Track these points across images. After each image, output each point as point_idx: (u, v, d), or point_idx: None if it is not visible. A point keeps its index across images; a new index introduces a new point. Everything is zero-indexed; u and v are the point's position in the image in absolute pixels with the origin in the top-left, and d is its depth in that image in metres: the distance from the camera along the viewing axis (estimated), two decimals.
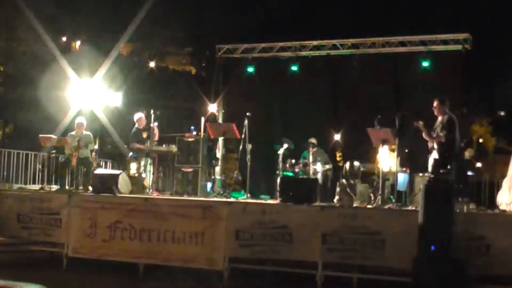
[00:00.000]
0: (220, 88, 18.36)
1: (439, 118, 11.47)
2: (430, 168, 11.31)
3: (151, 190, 13.69)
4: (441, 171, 10.63)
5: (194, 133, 15.67)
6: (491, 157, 32.89)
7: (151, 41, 28.73)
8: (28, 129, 22.41)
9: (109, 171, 15.55)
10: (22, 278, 10.13)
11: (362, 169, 13.76)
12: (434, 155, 11.23)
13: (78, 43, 29.02)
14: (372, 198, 12.62)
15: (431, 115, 11.69)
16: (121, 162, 15.29)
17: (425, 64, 15.84)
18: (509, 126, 34.93)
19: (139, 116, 14.70)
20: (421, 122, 11.45)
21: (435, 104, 11.50)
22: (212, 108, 18.73)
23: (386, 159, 13.32)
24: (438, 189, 9.27)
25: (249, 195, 13.15)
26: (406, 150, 13.38)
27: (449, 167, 10.75)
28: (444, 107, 11.43)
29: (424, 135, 11.46)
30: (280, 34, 20.17)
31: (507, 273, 9.25)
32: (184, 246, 10.75)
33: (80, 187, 13.77)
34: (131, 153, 14.28)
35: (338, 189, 12.69)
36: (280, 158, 14.12)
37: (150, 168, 14.15)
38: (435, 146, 11.30)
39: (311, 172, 14.22)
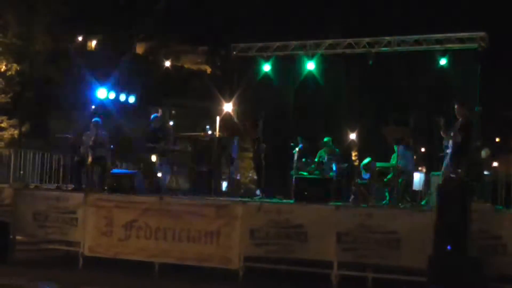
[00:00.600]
0: (235, 87, 18.35)
1: (459, 119, 11.45)
2: (443, 168, 11.28)
3: (166, 189, 13.71)
4: (455, 170, 10.60)
5: (210, 132, 15.66)
6: (507, 157, 32.69)
7: (166, 41, 28.77)
8: (44, 128, 22.55)
9: (124, 170, 15.59)
10: (38, 277, 10.21)
11: (377, 168, 13.72)
12: (448, 154, 11.20)
13: (94, 42, 29.14)
14: (388, 198, 12.59)
15: (447, 114, 11.65)
16: (136, 161, 15.31)
17: (442, 62, 15.76)
18: None
19: (155, 115, 14.74)
20: (442, 119, 11.44)
21: (456, 107, 11.49)
22: (227, 107, 18.76)
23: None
24: (454, 189, 9.22)
25: (263, 194, 13.14)
26: (423, 150, 13.34)
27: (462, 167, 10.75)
28: (464, 109, 11.43)
29: (441, 132, 11.45)
30: (295, 33, 20.14)
31: None
32: (199, 245, 10.75)
33: (96, 186, 13.82)
34: (144, 154, 14.32)
35: (353, 189, 12.66)
36: (295, 158, 14.09)
37: (165, 167, 14.17)
38: (449, 145, 11.28)
39: (326, 171, 14.19)
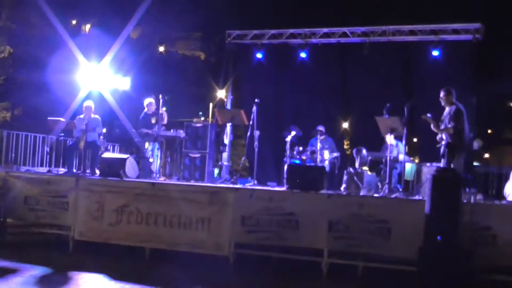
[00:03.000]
0: (229, 74, 18.31)
1: (447, 109, 11.43)
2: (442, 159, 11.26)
3: (158, 175, 13.71)
4: (449, 161, 10.60)
5: (203, 118, 15.62)
6: (499, 149, 32.80)
7: (161, 25, 28.62)
8: (37, 111, 22.45)
9: (116, 155, 15.56)
10: (29, 260, 10.20)
11: (369, 157, 13.74)
12: (444, 146, 11.19)
13: (88, 26, 29.00)
14: (380, 187, 12.61)
15: (441, 105, 11.65)
16: (129, 146, 15.28)
17: (436, 53, 15.72)
18: None
19: (148, 101, 14.74)
20: (428, 115, 11.41)
21: (441, 94, 11.46)
22: (221, 94, 18.73)
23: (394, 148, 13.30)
24: (446, 179, 9.23)
25: (255, 181, 13.14)
26: (415, 140, 13.34)
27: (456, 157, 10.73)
28: (451, 97, 11.39)
29: (432, 127, 11.43)
30: (290, 21, 20.07)
31: None
32: (190, 231, 10.76)
33: (88, 171, 13.80)
34: (137, 139, 14.30)
35: (345, 178, 12.66)
36: (288, 145, 14.11)
37: (157, 152, 14.17)
38: (444, 137, 11.27)
39: (318, 159, 14.21)
